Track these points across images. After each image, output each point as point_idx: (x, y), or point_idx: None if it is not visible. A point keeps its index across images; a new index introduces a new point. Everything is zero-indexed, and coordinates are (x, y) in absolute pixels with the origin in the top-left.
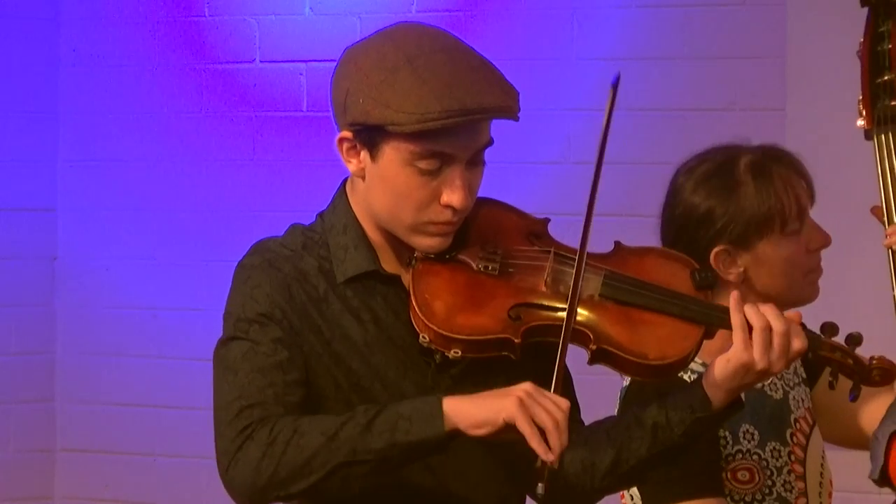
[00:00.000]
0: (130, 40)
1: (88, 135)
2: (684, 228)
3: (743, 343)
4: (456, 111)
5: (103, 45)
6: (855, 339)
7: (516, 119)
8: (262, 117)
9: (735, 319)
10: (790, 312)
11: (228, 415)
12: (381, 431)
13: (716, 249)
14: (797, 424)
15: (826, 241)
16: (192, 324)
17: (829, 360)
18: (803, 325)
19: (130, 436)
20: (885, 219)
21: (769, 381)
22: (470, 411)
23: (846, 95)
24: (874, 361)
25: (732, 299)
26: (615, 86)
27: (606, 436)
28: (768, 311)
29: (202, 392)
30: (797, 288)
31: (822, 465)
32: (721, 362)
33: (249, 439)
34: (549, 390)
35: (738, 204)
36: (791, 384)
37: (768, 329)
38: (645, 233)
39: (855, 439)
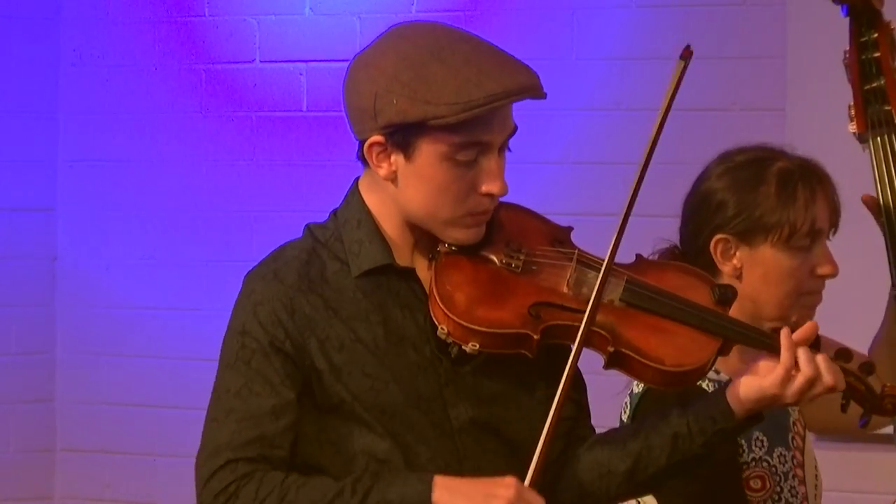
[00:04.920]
0: (130, 40)
1: (88, 135)
2: (698, 208)
3: (782, 380)
4: (500, 94)
5: (103, 45)
6: (868, 368)
7: (544, 97)
8: (261, 117)
9: (784, 357)
10: (809, 324)
11: (214, 463)
12: None
13: (718, 236)
14: (794, 427)
15: (832, 270)
16: (192, 324)
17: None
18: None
19: (130, 436)
20: (883, 219)
21: None
22: None
23: (846, 95)
24: (886, 389)
25: (784, 336)
26: (685, 58)
27: (624, 444)
28: (821, 360)
29: (202, 392)
30: (786, 304)
31: (815, 466)
32: (753, 386)
33: (234, 497)
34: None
35: (755, 201)
36: None
37: (815, 380)
38: (645, 232)
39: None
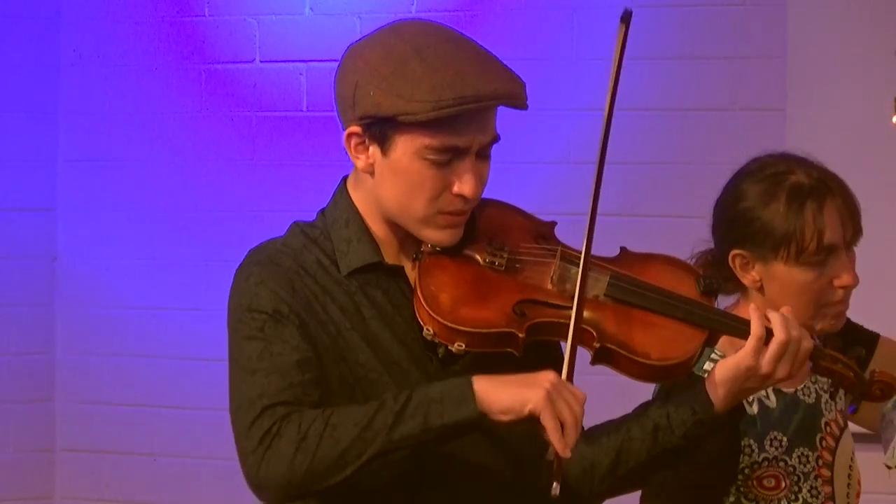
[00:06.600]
0: (130, 40)
1: (88, 135)
2: (720, 218)
3: (754, 350)
4: (470, 97)
5: (103, 45)
6: (856, 353)
7: (525, 108)
8: (261, 117)
9: (755, 326)
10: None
11: (251, 414)
12: (413, 416)
13: (735, 251)
14: (827, 428)
15: (849, 282)
16: (192, 324)
17: (830, 371)
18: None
19: (130, 436)
20: None
21: (802, 386)
22: (498, 396)
23: (846, 95)
24: (875, 375)
25: (752, 308)
26: (625, 19)
27: (607, 438)
28: (791, 321)
29: (202, 392)
30: (808, 314)
31: (850, 466)
32: (728, 365)
33: (278, 436)
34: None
35: (764, 217)
36: (825, 388)
37: (787, 342)
38: (645, 232)
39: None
